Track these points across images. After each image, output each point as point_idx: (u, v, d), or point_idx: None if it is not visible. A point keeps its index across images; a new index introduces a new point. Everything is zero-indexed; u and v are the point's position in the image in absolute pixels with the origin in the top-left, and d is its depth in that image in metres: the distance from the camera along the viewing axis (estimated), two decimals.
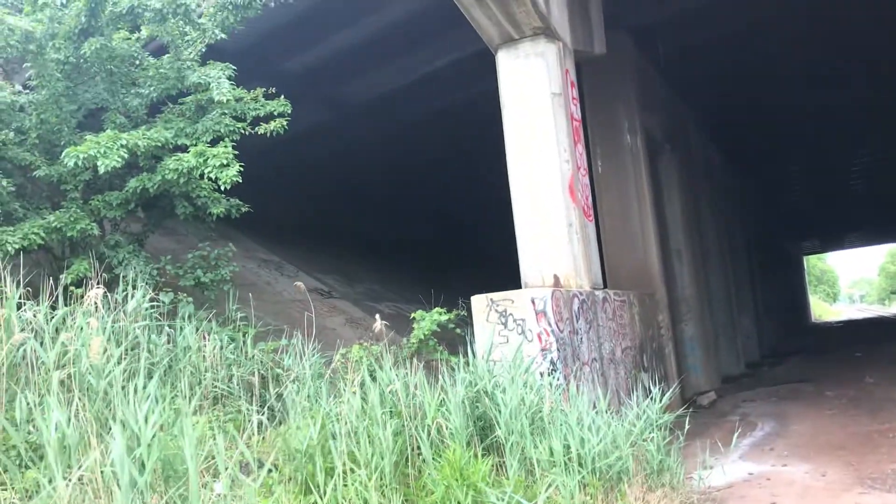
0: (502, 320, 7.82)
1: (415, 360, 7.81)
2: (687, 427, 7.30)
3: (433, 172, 23.76)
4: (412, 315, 9.10)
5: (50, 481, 4.39)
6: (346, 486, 5.34)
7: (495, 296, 7.99)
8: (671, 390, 8.10)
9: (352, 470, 5.44)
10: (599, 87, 12.93)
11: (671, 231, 15.16)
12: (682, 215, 15.52)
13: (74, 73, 10.24)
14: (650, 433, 6.70)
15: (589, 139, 12.46)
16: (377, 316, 7.34)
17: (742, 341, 20.48)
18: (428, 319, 8.73)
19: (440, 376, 6.58)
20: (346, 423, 5.87)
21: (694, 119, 19.15)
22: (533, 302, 7.74)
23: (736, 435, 8.37)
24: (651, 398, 7.15)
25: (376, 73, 16.90)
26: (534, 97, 9.23)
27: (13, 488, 4.74)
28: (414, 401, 6.47)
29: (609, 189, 12.91)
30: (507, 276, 10.28)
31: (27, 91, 10.23)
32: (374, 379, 6.57)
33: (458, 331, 8.68)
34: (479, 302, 8.11)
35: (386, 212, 24.91)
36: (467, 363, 6.84)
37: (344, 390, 6.80)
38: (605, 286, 10.57)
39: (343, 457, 5.45)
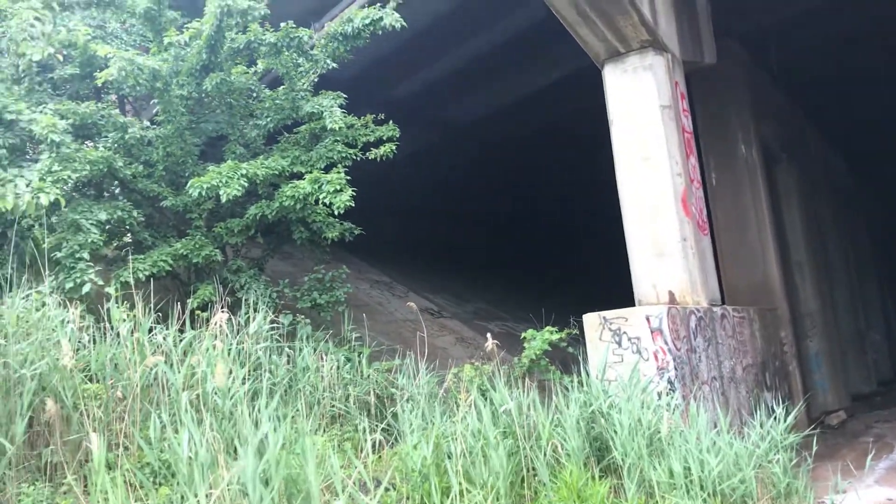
0: (616, 339, 7.69)
1: (527, 379, 7.78)
2: (815, 448, 6.96)
3: (541, 189, 23.72)
4: (523, 334, 9.08)
5: (182, 498, 4.62)
6: None
7: (608, 314, 7.87)
8: (796, 409, 7.74)
9: (467, 490, 5.46)
10: (711, 98, 12.59)
11: (791, 243, 14.52)
12: (803, 226, 14.84)
13: (197, 107, 10.82)
14: (775, 454, 6.42)
15: (702, 151, 12.15)
16: (488, 335, 7.35)
17: (872, 357, 19.33)
18: (539, 338, 8.69)
19: (553, 396, 6.53)
20: (460, 443, 5.90)
21: (812, 125, 18.33)
22: (647, 320, 7.57)
23: (870, 457, 7.89)
24: (775, 418, 6.85)
25: (480, 93, 17.07)
26: (642, 111, 9.08)
27: None
28: (528, 421, 6.44)
29: (724, 202, 12.52)
30: (618, 292, 10.10)
31: (154, 126, 10.85)
32: (486, 399, 6.58)
33: (570, 349, 8.59)
34: (591, 320, 8.00)
35: (494, 230, 24.98)
36: (581, 383, 6.75)
37: (457, 410, 6.85)
38: (723, 302, 10.23)
39: (459, 476, 5.47)
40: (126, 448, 5.77)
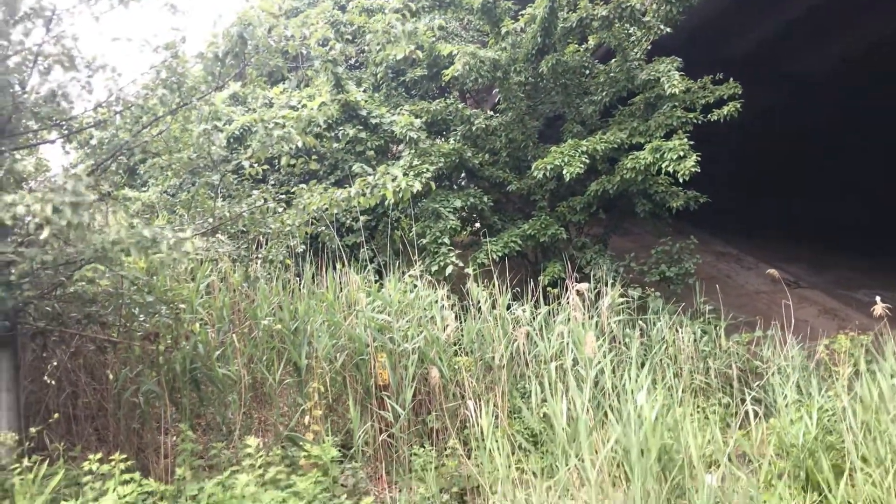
0: None
1: None
2: None
3: None
4: None
5: (559, 463, 4.76)
6: (853, 486, 4.89)
7: None
8: None
9: (861, 468, 4.95)
10: None
11: None
12: None
13: (533, 91, 11.14)
14: None
15: None
16: (878, 298, 6.51)
17: None
18: None
19: None
20: (844, 419, 5.38)
21: None
22: None
23: None
24: None
25: (831, 41, 15.39)
26: None
27: (527, 468, 5.24)
28: None
29: None
30: None
31: (495, 115, 11.38)
32: (869, 372, 5.93)
33: None
34: None
35: (854, 193, 22.39)
36: None
37: (833, 384, 6.28)
38: None
39: (851, 455, 4.99)
40: (495, 416, 6.11)
